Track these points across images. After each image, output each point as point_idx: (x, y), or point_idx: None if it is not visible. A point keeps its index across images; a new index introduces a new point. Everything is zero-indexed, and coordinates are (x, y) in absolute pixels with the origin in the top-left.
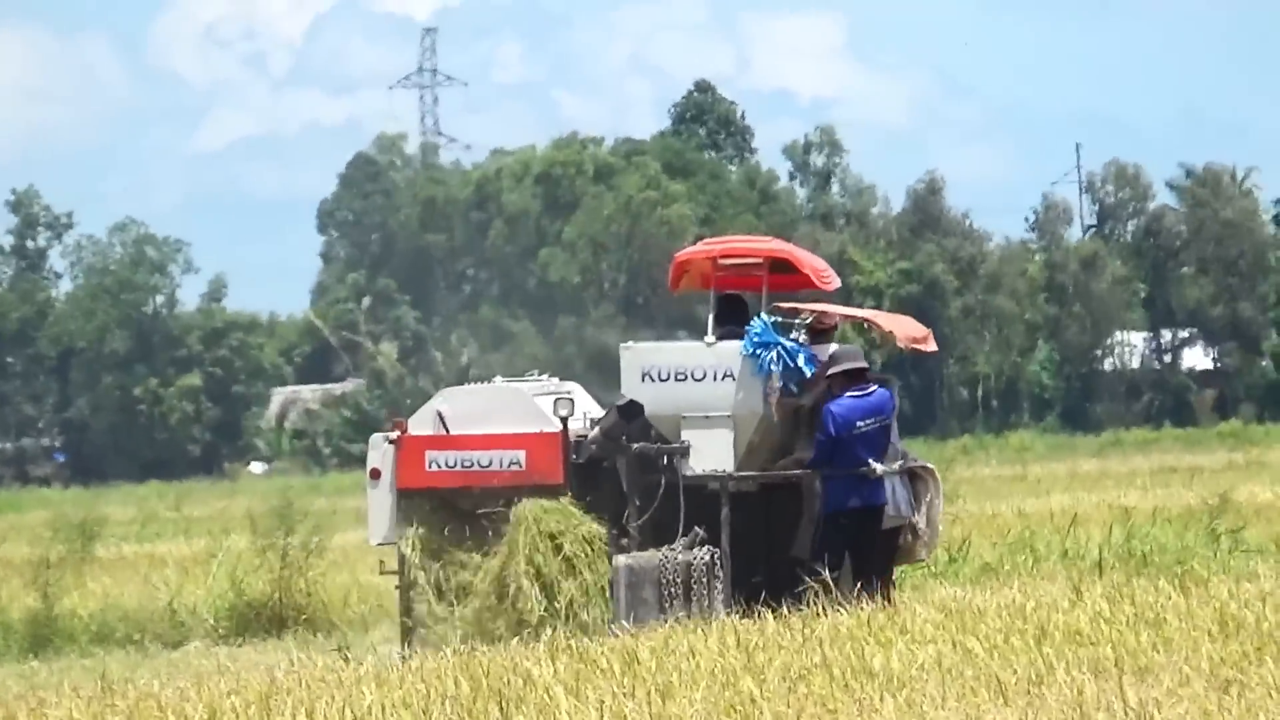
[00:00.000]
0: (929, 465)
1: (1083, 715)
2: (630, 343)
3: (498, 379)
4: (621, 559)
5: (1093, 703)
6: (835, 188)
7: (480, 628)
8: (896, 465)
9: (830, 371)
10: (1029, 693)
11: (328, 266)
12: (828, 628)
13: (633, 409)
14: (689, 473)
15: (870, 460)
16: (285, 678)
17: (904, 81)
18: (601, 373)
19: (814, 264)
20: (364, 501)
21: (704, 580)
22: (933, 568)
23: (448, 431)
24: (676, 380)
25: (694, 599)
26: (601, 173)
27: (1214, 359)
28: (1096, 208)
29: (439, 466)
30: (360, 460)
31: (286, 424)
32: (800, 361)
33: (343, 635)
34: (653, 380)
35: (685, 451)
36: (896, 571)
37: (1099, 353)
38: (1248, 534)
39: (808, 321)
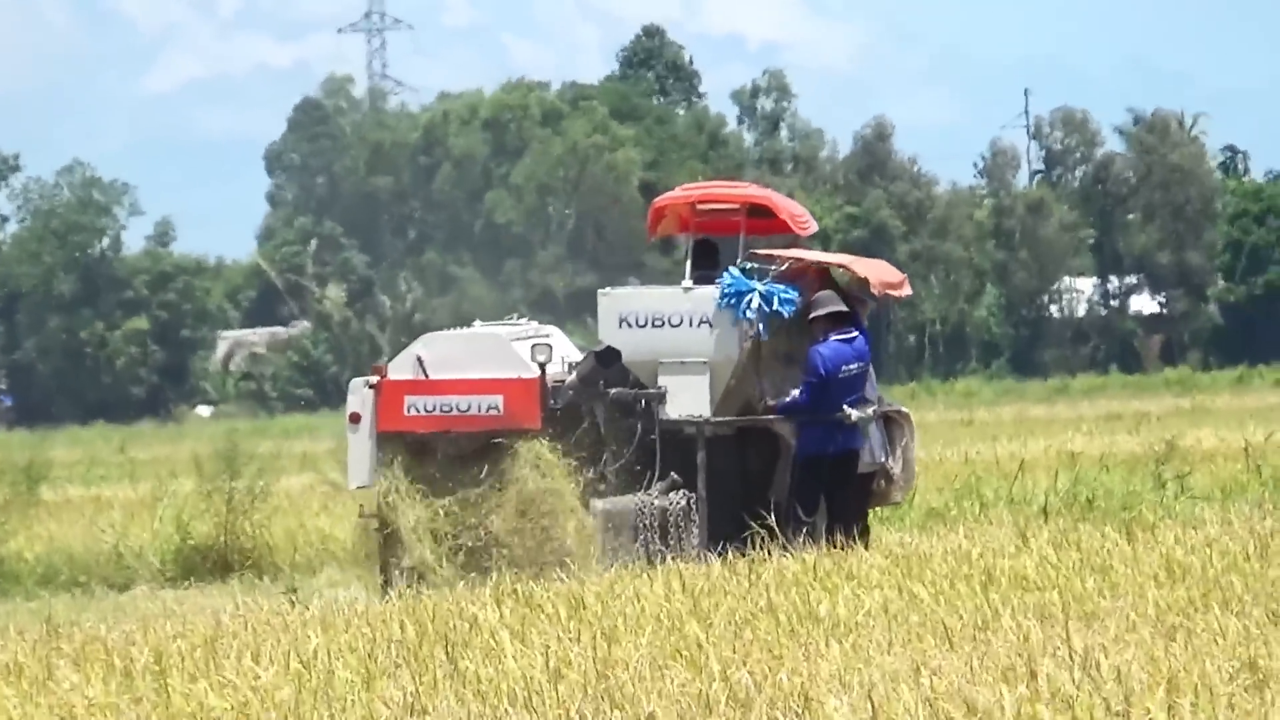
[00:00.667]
0: (904, 410)
1: (1028, 661)
2: (608, 288)
3: (477, 323)
4: (599, 503)
5: (1039, 648)
6: (783, 133)
7: (474, 567)
8: (870, 411)
9: (814, 315)
10: (975, 638)
11: (275, 210)
12: (774, 573)
13: (609, 355)
14: (665, 418)
15: (845, 405)
16: (231, 621)
17: (853, 27)
18: (548, 314)
19: (791, 209)
20: (343, 446)
21: (680, 524)
22: (878, 513)
23: (427, 376)
24: (654, 326)
25: (670, 542)
26: (549, 117)
27: (1161, 305)
28: (1044, 154)
29: (418, 411)
30: (306, 404)
31: (233, 367)
32: (776, 304)
33: (288, 579)
34: (630, 326)
35: (662, 397)
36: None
37: (1046, 298)
38: (1193, 480)
39: (783, 268)
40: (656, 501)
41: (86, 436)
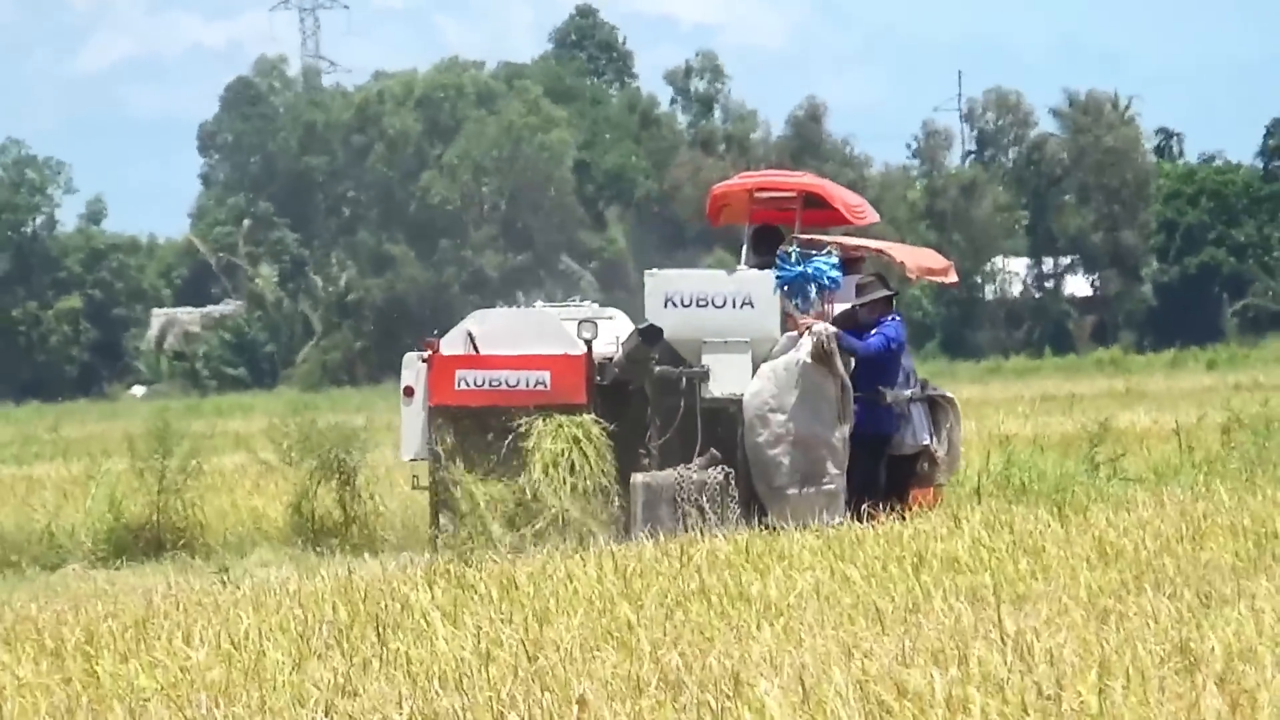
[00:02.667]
0: (949, 395)
1: (960, 644)
2: (654, 270)
3: (538, 304)
4: (639, 476)
5: (970, 631)
6: (717, 114)
7: (512, 530)
8: (907, 394)
9: (864, 300)
10: (906, 620)
11: (208, 189)
12: (706, 554)
13: (653, 332)
14: (708, 395)
15: (880, 386)
16: (163, 601)
17: (787, 8)
18: (480, 294)
19: (846, 199)
20: (397, 418)
21: (717, 499)
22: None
23: (477, 351)
24: (698, 306)
25: (707, 516)
26: (482, 97)
27: (1094, 286)
28: (977, 135)
29: (468, 385)
30: (238, 381)
31: (166, 346)
32: (827, 279)
33: (220, 559)
34: (675, 306)
35: (705, 375)
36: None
37: (979, 279)
38: (1126, 462)
39: (828, 252)
40: (696, 476)
41: (19, 415)
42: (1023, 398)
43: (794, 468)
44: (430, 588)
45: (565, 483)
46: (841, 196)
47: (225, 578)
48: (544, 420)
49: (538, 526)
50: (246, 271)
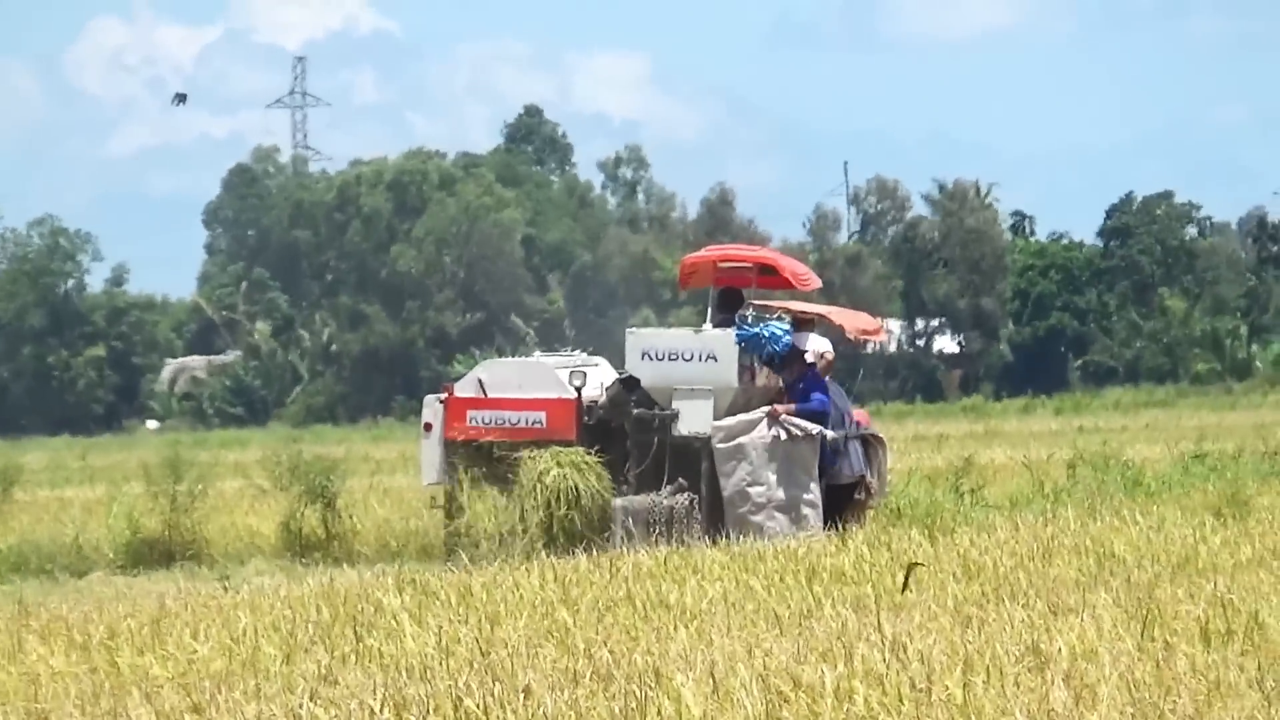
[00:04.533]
0: (879, 434)
1: (846, 645)
2: (633, 328)
3: (536, 354)
4: (618, 500)
5: (855, 634)
6: (641, 196)
7: (515, 542)
8: (843, 434)
9: (812, 358)
10: (801, 624)
11: (212, 257)
12: (631, 566)
13: (631, 381)
14: (677, 433)
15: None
16: (174, 603)
17: (699, 106)
18: (441, 348)
19: (794, 268)
20: (417, 450)
21: (684, 520)
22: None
23: (485, 395)
24: (669, 360)
25: (674, 535)
26: (445, 180)
27: (959, 344)
28: (861, 216)
29: (478, 423)
30: (237, 419)
31: (176, 389)
32: (782, 343)
33: (222, 568)
34: (651, 359)
35: (674, 416)
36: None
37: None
38: (987, 492)
39: (775, 316)
40: (665, 501)
41: (52, 446)
42: (899, 437)
43: (780, 527)
44: (399, 593)
45: (564, 501)
46: (790, 266)
47: (226, 584)
48: (544, 451)
49: (532, 538)
50: (245, 326)
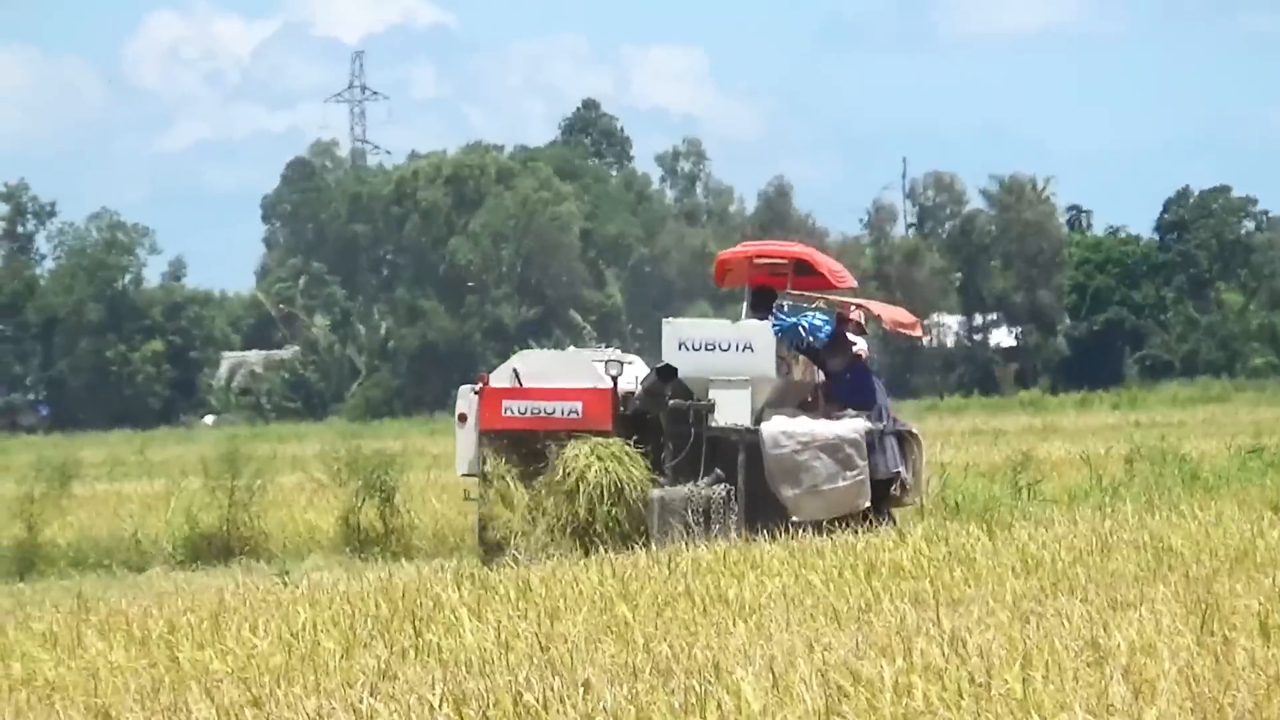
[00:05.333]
0: (914, 430)
1: (904, 639)
2: (671, 319)
3: (570, 349)
4: (656, 491)
5: (913, 628)
6: (699, 191)
7: (554, 539)
8: (882, 426)
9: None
10: (859, 619)
11: (270, 251)
12: (690, 562)
13: (668, 370)
14: (714, 425)
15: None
16: (232, 598)
17: (756, 101)
18: (499, 342)
19: (831, 266)
20: (453, 441)
21: (721, 512)
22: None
23: (521, 384)
24: (707, 350)
25: (712, 526)
26: (502, 175)
27: (1016, 338)
28: (918, 210)
29: (513, 413)
30: (295, 413)
31: (234, 384)
32: (823, 333)
33: (281, 563)
34: (688, 349)
35: (711, 408)
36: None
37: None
38: (1044, 486)
39: (817, 306)
40: (703, 492)
41: (111, 441)
42: (956, 432)
43: (826, 467)
44: (458, 588)
45: (607, 496)
46: (826, 263)
47: (285, 579)
48: (583, 443)
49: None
50: (303, 321)
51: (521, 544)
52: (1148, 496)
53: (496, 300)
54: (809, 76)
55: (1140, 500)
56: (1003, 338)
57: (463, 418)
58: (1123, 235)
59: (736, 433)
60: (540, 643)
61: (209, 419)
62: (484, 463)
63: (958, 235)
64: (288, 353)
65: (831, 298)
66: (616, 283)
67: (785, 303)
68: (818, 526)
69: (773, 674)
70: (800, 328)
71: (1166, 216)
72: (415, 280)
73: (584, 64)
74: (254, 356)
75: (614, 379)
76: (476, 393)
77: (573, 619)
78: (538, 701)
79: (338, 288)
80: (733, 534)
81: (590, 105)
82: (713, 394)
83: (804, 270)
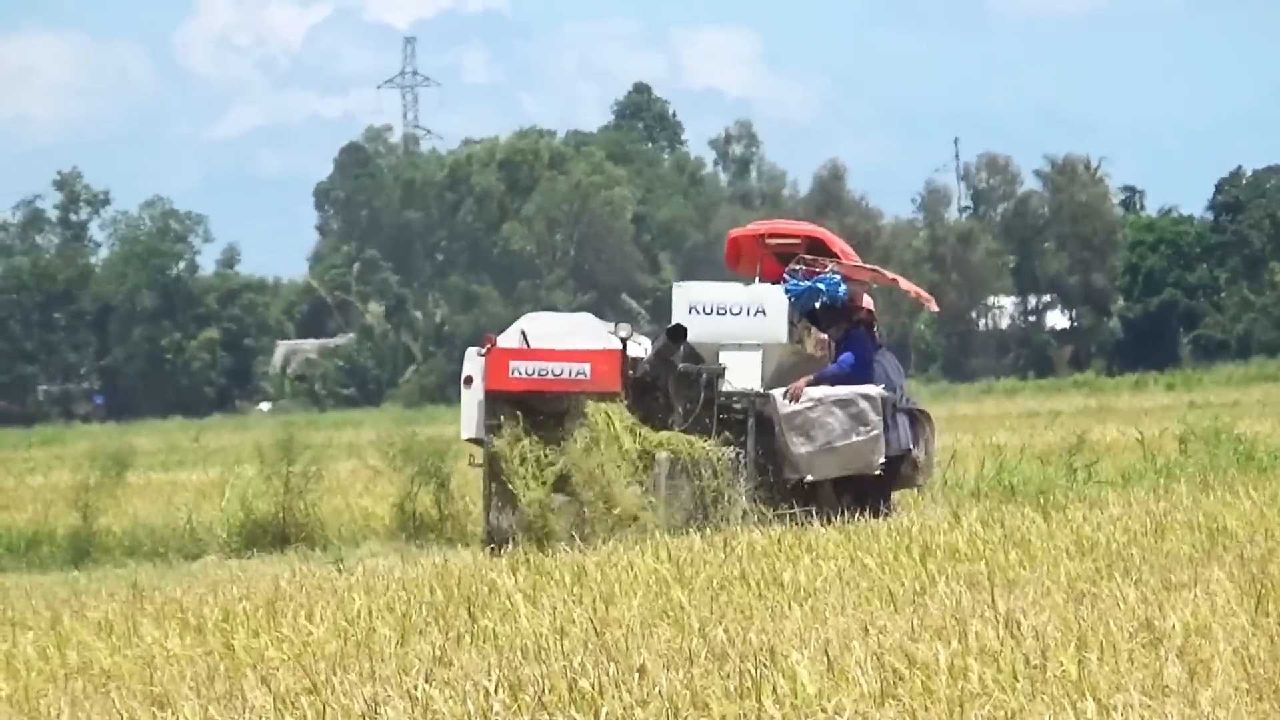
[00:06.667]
0: (926, 409)
1: (960, 622)
2: (681, 281)
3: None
4: (663, 453)
5: (969, 611)
6: (753, 174)
7: (576, 516)
8: (894, 397)
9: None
10: (915, 602)
11: (324, 238)
12: (745, 545)
13: (678, 331)
14: (724, 389)
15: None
16: (288, 586)
17: (811, 84)
18: None
19: (843, 246)
20: (459, 404)
21: (729, 475)
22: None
23: (528, 345)
24: (718, 314)
25: (720, 501)
26: (555, 159)
27: (1071, 320)
28: (971, 192)
29: (520, 374)
30: (350, 400)
31: (289, 371)
32: (840, 291)
33: (337, 550)
34: (698, 313)
35: (721, 372)
36: (896, 495)
37: (974, 314)
38: (1099, 468)
39: (831, 271)
40: (711, 453)
41: (166, 429)
42: (1011, 414)
43: (840, 422)
44: (513, 573)
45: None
46: (840, 244)
47: (340, 566)
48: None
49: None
50: (357, 308)
51: (553, 521)
52: (1202, 477)
53: (550, 286)
54: (862, 56)
55: (1195, 481)
56: (1057, 320)
57: (468, 380)
58: (1176, 215)
59: (747, 398)
60: (595, 628)
61: (264, 406)
62: (491, 427)
63: (1011, 217)
64: (342, 339)
65: (846, 264)
66: (670, 267)
67: (799, 266)
68: (832, 506)
69: (828, 657)
70: (815, 289)
71: (1220, 197)
72: (469, 266)
73: (636, 47)
74: (308, 344)
75: (623, 340)
76: (483, 354)
77: (628, 604)
78: (593, 687)
79: (391, 274)
80: (741, 501)
81: (642, 89)
82: (723, 358)
83: (817, 250)
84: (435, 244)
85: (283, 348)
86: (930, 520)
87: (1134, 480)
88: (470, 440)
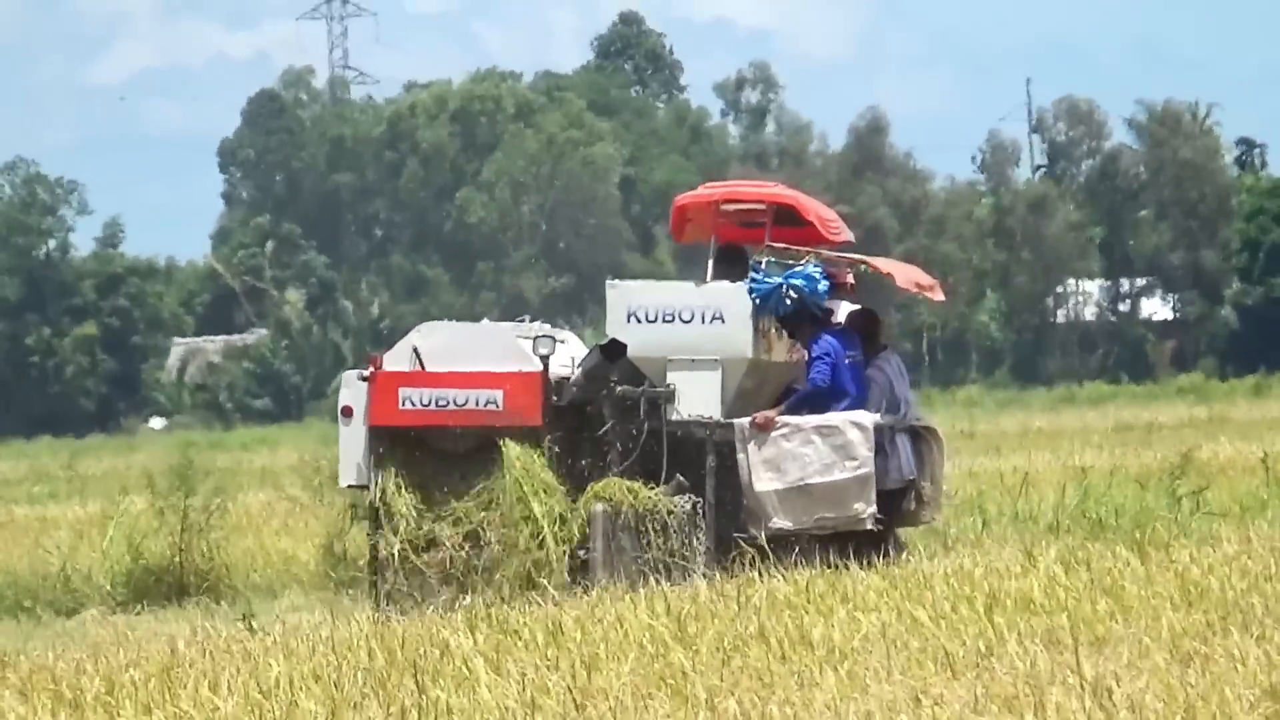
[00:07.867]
0: (931, 425)
1: (1036, 689)
2: (616, 281)
3: (484, 321)
4: (599, 505)
5: (1046, 675)
6: (770, 126)
7: (447, 579)
8: (889, 420)
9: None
10: (978, 665)
11: (230, 209)
12: (765, 595)
13: (615, 348)
14: (674, 418)
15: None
16: (187, 648)
17: (845, 10)
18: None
19: (821, 213)
20: (335, 442)
21: (685, 530)
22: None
23: (423, 368)
24: (664, 321)
25: (675, 552)
26: (522, 109)
27: (1174, 309)
28: (1047, 147)
29: (413, 405)
30: (264, 414)
31: (187, 377)
32: (820, 288)
33: (247, 603)
34: (639, 321)
35: (670, 396)
36: (904, 533)
37: (1051, 302)
38: (1210, 495)
39: (806, 263)
40: (661, 505)
41: (31, 451)
42: (1098, 427)
43: (819, 455)
44: (472, 632)
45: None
46: (817, 210)
47: (253, 623)
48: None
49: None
50: (272, 297)
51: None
52: None
53: (516, 269)
54: None
55: None
56: (1156, 308)
57: (347, 411)
58: None
59: (704, 427)
60: (575, 700)
61: (156, 422)
62: (375, 471)
63: (1097, 179)
64: (253, 337)
65: (825, 253)
66: (666, 244)
67: (764, 259)
68: (808, 552)
69: None
70: (788, 286)
71: None
72: (414, 244)
73: None
74: (211, 343)
75: (544, 359)
76: (365, 379)
77: (616, 669)
78: None
79: (315, 254)
80: (700, 561)
81: (630, 20)
82: (671, 377)
83: (786, 219)
84: (371, 216)
85: (179, 348)
86: (997, 562)
87: (1254, 511)
88: (352, 487)
